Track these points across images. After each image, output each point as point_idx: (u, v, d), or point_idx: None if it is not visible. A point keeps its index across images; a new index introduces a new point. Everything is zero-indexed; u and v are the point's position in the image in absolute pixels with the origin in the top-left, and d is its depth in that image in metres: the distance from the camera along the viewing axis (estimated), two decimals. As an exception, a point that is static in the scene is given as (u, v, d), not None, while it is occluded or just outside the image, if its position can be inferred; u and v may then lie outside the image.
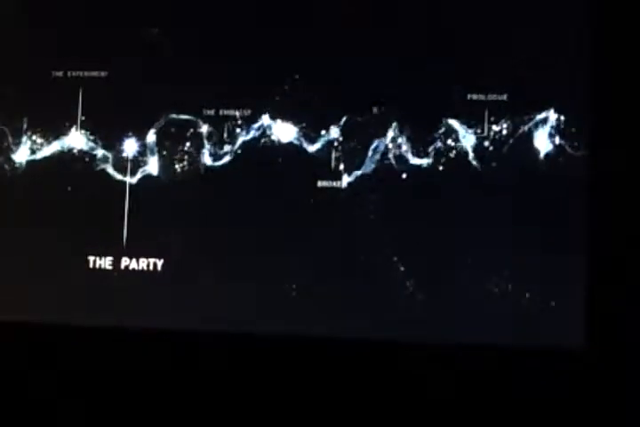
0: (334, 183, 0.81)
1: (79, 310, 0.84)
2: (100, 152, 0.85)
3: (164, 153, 0.84)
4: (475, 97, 0.79)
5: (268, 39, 0.83)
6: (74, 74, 0.86)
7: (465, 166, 0.79)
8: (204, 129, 0.83)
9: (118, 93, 0.85)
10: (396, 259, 0.79)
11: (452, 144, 0.79)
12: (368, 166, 0.80)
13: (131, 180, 0.84)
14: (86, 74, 0.86)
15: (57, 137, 0.86)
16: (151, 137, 0.84)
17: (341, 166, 0.81)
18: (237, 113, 0.83)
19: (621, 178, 0.75)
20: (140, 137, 0.85)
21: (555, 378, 0.75)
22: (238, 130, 0.83)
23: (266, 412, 0.80)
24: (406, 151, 0.80)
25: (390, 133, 0.80)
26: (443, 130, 0.79)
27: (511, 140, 0.78)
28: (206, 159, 0.83)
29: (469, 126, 0.79)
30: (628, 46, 0.76)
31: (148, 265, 0.83)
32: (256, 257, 0.81)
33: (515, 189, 0.78)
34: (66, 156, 0.86)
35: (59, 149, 0.86)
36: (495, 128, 0.78)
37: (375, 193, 0.80)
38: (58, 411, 0.82)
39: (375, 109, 0.80)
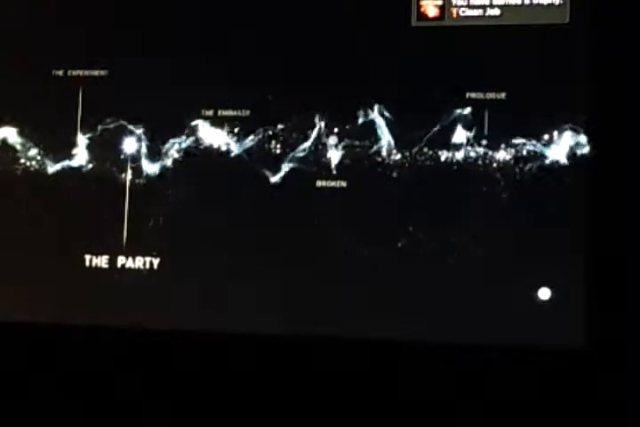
0: (335, 183, 0.81)
1: (77, 309, 0.84)
2: (97, 151, 0.85)
3: (164, 151, 0.84)
4: (473, 95, 0.79)
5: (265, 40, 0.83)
6: (74, 73, 0.87)
7: (466, 166, 0.79)
8: (202, 128, 0.83)
9: (118, 93, 0.85)
10: (395, 259, 0.79)
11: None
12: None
13: (130, 179, 0.85)
14: (86, 73, 0.86)
15: (55, 135, 0.86)
16: (150, 135, 0.85)
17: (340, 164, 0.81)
18: (236, 113, 0.83)
19: (622, 178, 0.75)
20: (140, 135, 0.85)
21: (555, 378, 0.75)
22: (237, 130, 0.83)
23: (265, 412, 0.80)
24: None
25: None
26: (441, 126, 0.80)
27: (510, 141, 0.78)
28: (206, 158, 0.83)
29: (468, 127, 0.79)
30: (630, 46, 0.76)
31: (144, 264, 0.84)
32: (256, 256, 0.81)
33: (516, 189, 0.77)
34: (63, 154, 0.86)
35: (56, 147, 0.86)
36: (495, 128, 0.78)
37: (376, 190, 0.80)
38: (57, 411, 0.82)
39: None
